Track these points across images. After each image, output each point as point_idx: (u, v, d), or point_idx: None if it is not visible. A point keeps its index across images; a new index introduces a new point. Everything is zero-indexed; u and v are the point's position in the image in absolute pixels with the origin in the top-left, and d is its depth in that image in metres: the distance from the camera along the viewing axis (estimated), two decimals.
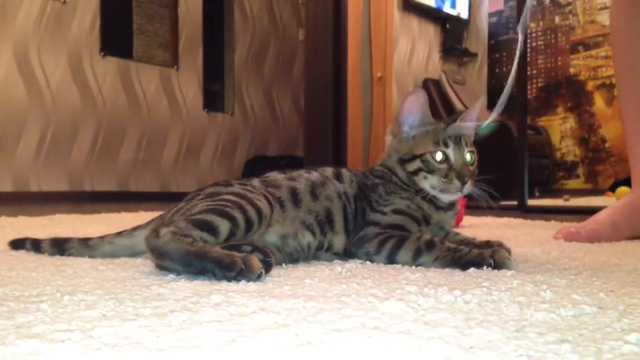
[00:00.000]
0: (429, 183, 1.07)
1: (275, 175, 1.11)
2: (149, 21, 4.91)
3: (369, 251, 1.03)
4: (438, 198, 1.09)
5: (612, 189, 4.32)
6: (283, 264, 0.99)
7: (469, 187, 1.07)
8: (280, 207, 1.03)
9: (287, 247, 1.02)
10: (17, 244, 1.16)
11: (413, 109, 1.09)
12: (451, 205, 1.13)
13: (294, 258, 1.03)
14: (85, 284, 0.80)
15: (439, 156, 1.06)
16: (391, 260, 1.02)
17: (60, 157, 4.26)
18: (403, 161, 1.10)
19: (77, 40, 4.34)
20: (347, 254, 1.07)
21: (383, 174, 1.14)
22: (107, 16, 4.53)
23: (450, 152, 1.07)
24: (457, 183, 1.05)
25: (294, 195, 1.06)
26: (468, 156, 1.08)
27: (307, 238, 1.04)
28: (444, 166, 1.06)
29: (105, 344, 0.49)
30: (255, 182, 1.08)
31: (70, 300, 0.68)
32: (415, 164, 1.08)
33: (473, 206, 2.18)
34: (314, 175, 1.11)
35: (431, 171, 1.07)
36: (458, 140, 1.08)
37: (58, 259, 1.04)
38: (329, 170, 1.14)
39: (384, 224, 1.06)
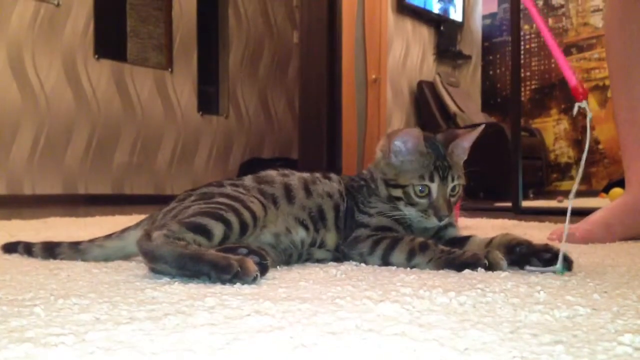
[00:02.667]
0: (407, 211, 1.07)
1: (268, 172, 1.12)
2: (143, 24, 4.90)
3: (363, 252, 1.04)
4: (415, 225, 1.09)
5: (606, 190, 4.34)
6: (278, 267, 0.99)
7: (446, 221, 1.07)
8: (273, 205, 1.04)
9: (281, 245, 1.02)
10: (9, 248, 1.15)
11: (407, 144, 1.06)
12: None
13: (287, 254, 1.03)
14: (79, 287, 0.79)
15: (420, 190, 1.05)
16: (385, 260, 1.02)
17: (54, 160, 4.24)
18: (387, 184, 1.09)
19: (71, 43, 4.33)
20: (338, 251, 1.08)
21: (367, 180, 1.14)
22: (101, 19, 4.52)
23: (434, 187, 1.05)
24: (434, 220, 1.05)
25: (288, 191, 1.07)
26: (454, 188, 1.07)
27: (300, 234, 1.05)
28: (424, 201, 1.05)
29: (98, 348, 0.49)
30: (248, 180, 1.08)
31: (64, 304, 0.68)
32: (398, 192, 1.07)
33: (468, 208, 2.18)
34: (305, 174, 1.13)
35: (410, 204, 1.06)
36: (445, 174, 1.05)
37: (51, 263, 1.03)
38: (317, 174, 1.15)
39: (372, 226, 1.07)
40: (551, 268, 0.94)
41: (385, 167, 1.10)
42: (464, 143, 1.11)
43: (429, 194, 1.05)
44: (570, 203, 0.97)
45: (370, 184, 1.13)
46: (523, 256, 0.98)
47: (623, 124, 1.60)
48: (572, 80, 1.03)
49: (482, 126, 1.12)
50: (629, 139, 1.58)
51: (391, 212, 1.08)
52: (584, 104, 1.02)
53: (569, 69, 1.03)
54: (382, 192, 1.09)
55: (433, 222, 1.06)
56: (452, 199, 1.08)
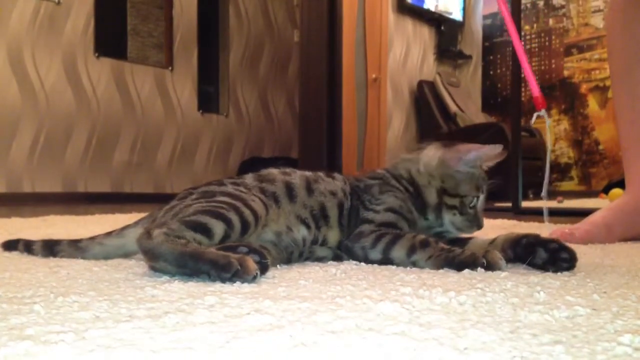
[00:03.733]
0: (452, 219, 1.11)
1: (270, 170, 1.12)
2: (144, 22, 4.90)
3: (365, 245, 1.04)
4: (447, 230, 1.13)
5: (606, 190, 4.34)
6: (278, 265, 0.99)
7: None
8: (275, 203, 1.04)
9: (282, 243, 1.03)
10: (9, 246, 1.16)
11: (481, 159, 1.11)
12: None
13: (288, 251, 1.03)
14: (79, 285, 0.79)
15: (475, 201, 1.11)
16: (385, 255, 1.02)
17: (54, 158, 4.24)
18: (444, 192, 1.12)
19: (71, 41, 4.33)
20: (341, 249, 1.08)
21: (383, 177, 1.16)
22: (101, 17, 4.52)
23: (481, 198, 1.12)
24: (474, 229, 1.12)
25: (289, 189, 1.07)
26: None
27: (302, 232, 1.05)
28: (472, 211, 1.12)
29: (98, 346, 0.49)
30: (249, 179, 1.08)
31: (64, 301, 0.68)
32: (455, 201, 1.11)
33: None
34: (308, 173, 1.14)
35: (462, 213, 1.11)
36: (485, 189, 1.13)
37: (51, 260, 1.04)
38: (320, 173, 1.16)
39: (377, 222, 1.08)
40: None
41: (444, 176, 1.12)
42: (488, 158, 1.16)
43: (475, 205, 1.12)
44: (545, 196, 1.05)
45: (386, 179, 1.15)
46: (529, 246, 1.00)
47: (624, 124, 1.60)
48: (535, 90, 1.12)
49: (499, 147, 1.13)
50: (630, 139, 1.58)
51: (404, 203, 1.10)
52: (542, 112, 1.11)
53: (534, 79, 1.11)
54: (431, 200, 1.12)
55: (473, 230, 1.12)
56: None
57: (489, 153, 1.10)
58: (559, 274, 0.94)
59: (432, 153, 1.14)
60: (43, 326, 0.56)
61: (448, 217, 1.11)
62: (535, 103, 1.09)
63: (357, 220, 1.10)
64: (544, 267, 0.98)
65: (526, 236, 1.02)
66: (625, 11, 1.56)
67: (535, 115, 1.10)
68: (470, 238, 1.12)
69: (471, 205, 1.11)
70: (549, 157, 1.09)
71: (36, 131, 4.13)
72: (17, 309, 0.64)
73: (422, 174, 1.14)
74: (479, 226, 1.12)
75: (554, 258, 0.97)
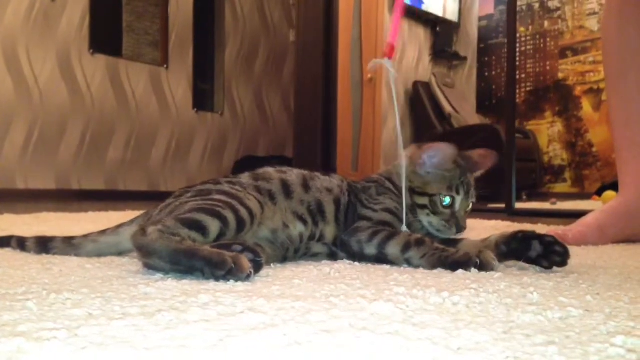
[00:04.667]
0: (427, 219, 1.12)
1: (266, 169, 1.13)
2: (139, 19, 4.88)
3: (361, 239, 1.05)
4: (430, 232, 1.13)
5: (599, 193, 4.36)
6: (272, 264, 0.99)
7: (461, 234, 1.12)
8: (271, 200, 1.05)
9: (278, 240, 1.03)
10: (2, 242, 1.15)
11: (440, 157, 1.12)
12: None
13: (284, 248, 1.04)
14: (72, 282, 0.79)
15: (447, 201, 1.11)
16: (380, 250, 1.03)
17: (48, 155, 4.22)
18: (413, 192, 1.13)
19: (66, 38, 4.31)
20: (337, 244, 1.09)
21: (378, 180, 1.18)
22: (96, 14, 4.50)
23: (458, 200, 1.11)
24: (454, 230, 1.11)
25: (286, 186, 1.08)
26: (470, 206, 1.14)
27: (298, 228, 1.06)
28: (448, 211, 1.11)
29: (91, 343, 0.49)
30: (245, 178, 1.09)
31: (57, 298, 0.68)
32: (424, 200, 1.12)
33: None
34: (304, 171, 1.15)
35: (435, 212, 1.11)
36: (468, 190, 1.12)
37: (44, 257, 1.03)
38: (317, 173, 1.18)
39: (375, 220, 1.09)
40: None
41: (412, 175, 1.14)
42: (485, 165, 1.18)
43: (452, 205, 1.11)
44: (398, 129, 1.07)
45: (381, 182, 1.17)
46: (525, 239, 1.00)
47: (618, 126, 1.61)
48: (393, 38, 1.11)
49: (494, 157, 1.16)
50: (624, 142, 1.59)
51: (399, 205, 1.11)
52: (387, 61, 1.10)
53: (398, 27, 1.11)
54: (407, 200, 1.13)
55: (452, 232, 1.11)
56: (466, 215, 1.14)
57: (446, 150, 1.10)
58: (552, 275, 0.94)
59: (404, 154, 1.16)
60: (36, 323, 0.55)
61: (423, 218, 1.12)
62: (386, 50, 1.08)
63: (354, 216, 1.11)
64: (537, 260, 0.99)
65: (522, 231, 1.02)
66: (621, 14, 1.57)
67: (376, 61, 1.09)
68: (463, 238, 1.12)
69: (444, 204, 1.10)
70: (397, 111, 1.11)
71: (30, 127, 4.11)
72: (9, 306, 0.63)
73: (399, 175, 1.15)
74: (459, 228, 1.11)
75: (548, 251, 0.98)
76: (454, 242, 1.11)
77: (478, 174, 1.19)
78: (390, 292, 0.74)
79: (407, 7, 5.64)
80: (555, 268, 1.01)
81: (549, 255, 0.98)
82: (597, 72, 5.75)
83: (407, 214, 1.11)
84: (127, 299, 0.68)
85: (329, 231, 1.09)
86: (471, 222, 2.31)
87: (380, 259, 1.03)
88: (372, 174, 1.23)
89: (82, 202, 3.87)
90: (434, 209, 1.11)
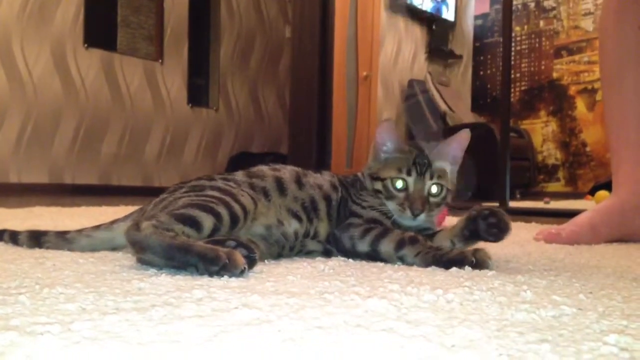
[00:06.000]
0: (386, 206, 1.10)
1: (260, 167, 1.13)
2: (134, 13, 4.86)
3: (354, 235, 1.05)
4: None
5: (592, 192, 4.37)
6: (266, 260, 0.99)
7: (422, 218, 1.08)
8: (264, 197, 1.05)
9: (272, 237, 1.03)
10: None
11: (386, 136, 1.13)
12: None
13: (280, 245, 1.04)
14: (65, 277, 0.79)
15: (399, 184, 1.08)
16: (373, 247, 1.03)
17: (41, 149, 4.21)
18: (372, 177, 1.13)
19: (60, 31, 4.29)
20: (331, 241, 1.09)
21: (359, 176, 1.18)
22: (91, 7, 4.48)
23: (410, 181, 1.08)
24: (408, 213, 1.07)
25: (280, 184, 1.08)
26: (434, 188, 1.09)
27: (293, 225, 1.05)
28: (402, 194, 1.08)
29: (84, 338, 0.49)
30: (239, 175, 1.09)
31: (50, 293, 0.67)
32: (378, 185, 1.11)
33: (455, 207, 2.19)
34: (297, 168, 1.15)
35: (389, 197, 1.09)
36: (423, 171, 1.08)
37: (37, 252, 1.03)
38: (309, 170, 1.18)
39: (365, 217, 1.09)
40: None
41: (372, 162, 1.15)
42: (448, 148, 1.13)
43: (407, 188, 1.08)
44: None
45: (362, 179, 1.16)
46: (473, 218, 1.03)
47: (613, 126, 1.61)
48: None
49: (466, 131, 1.13)
50: (619, 142, 1.60)
51: (380, 206, 1.10)
52: None
53: None
54: (369, 186, 1.13)
55: (408, 215, 1.07)
56: (434, 200, 1.09)
57: (383, 125, 1.12)
58: (545, 273, 0.95)
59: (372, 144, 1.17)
60: (28, 317, 0.55)
61: (387, 204, 1.10)
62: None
63: (345, 211, 1.11)
64: (485, 237, 1.03)
65: (472, 211, 1.04)
66: (618, 13, 1.57)
67: None
68: (439, 231, 1.12)
69: (397, 187, 1.08)
70: None
71: (23, 121, 4.09)
72: (2, 300, 0.63)
73: (366, 165, 1.17)
74: (413, 210, 1.06)
75: (487, 224, 1.01)
76: (430, 236, 1.10)
77: (452, 159, 1.14)
78: (385, 289, 0.75)
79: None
80: (548, 266, 1.01)
81: (489, 229, 1.01)
82: (591, 72, 5.77)
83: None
84: (121, 294, 0.68)
85: (323, 228, 1.09)
86: None
87: (373, 256, 1.03)
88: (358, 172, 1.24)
89: (76, 196, 3.85)
90: (388, 193, 1.09)
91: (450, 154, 1.13)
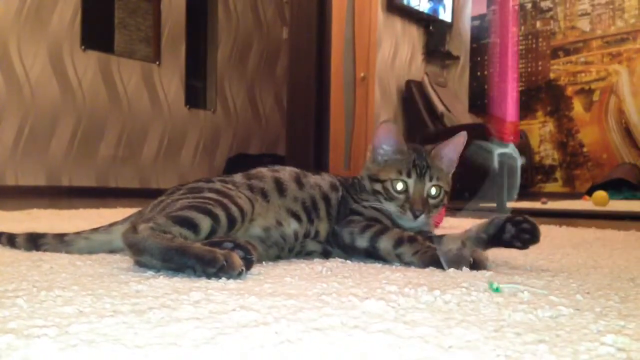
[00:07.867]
0: (387, 207, 1.11)
1: (259, 169, 1.13)
2: (131, 15, 4.86)
3: (354, 231, 1.05)
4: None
5: (589, 193, 4.38)
6: (264, 262, 0.99)
7: (422, 219, 1.09)
8: (263, 198, 1.05)
9: (271, 238, 1.03)
10: None
11: (385, 137, 1.13)
12: None
13: (279, 247, 1.04)
14: (62, 279, 0.79)
15: (399, 186, 1.09)
16: (372, 243, 1.03)
17: (38, 151, 4.20)
18: (370, 179, 1.13)
19: (57, 33, 4.28)
20: (330, 239, 1.09)
21: (359, 178, 1.18)
22: (88, 9, 4.47)
23: (410, 183, 1.09)
24: (409, 215, 1.08)
25: (279, 184, 1.08)
26: (433, 190, 1.10)
27: (292, 226, 1.06)
28: (402, 196, 1.09)
29: (82, 340, 0.49)
30: (238, 177, 1.09)
31: (47, 295, 0.67)
32: (378, 187, 1.11)
33: (453, 207, 2.19)
34: (296, 169, 1.16)
35: (389, 198, 1.10)
36: (423, 172, 1.09)
37: (34, 254, 1.02)
38: (308, 172, 1.18)
39: (366, 216, 1.09)
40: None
41: (371, 164, 1.15)
42: (445, 150, 1.14)
43: (406, 190, 1.09)
44: None
45: (362, 181, 1.17)
46: (499, 223, 1.01)
47: None
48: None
49: (463, 134, 1.13)
50: None
51: (380, 206, 1.11)
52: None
53: None
54: (368, 187, 1.13)
55: (408, 217, 1.08)
56: (433, 201, 1.10)
57: (384, 127, 1.12)
58: (542, 273, 0.95)
59: (369, 147, 1.17)
60: (26, 320, 0.55)
61: (386, 206, 1.10)
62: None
63: (345, 210, 1.11)
64: (511, 242, 1.00)
65: (498, 217, 1.03)
66: None
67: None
68: (445, 234, 1.12)
69: (397, 189, 1.09)
70: None
71: (20, 123, 4.08)
72: None
73: (364, 167, 1.17)
74: (414, 212, 1.07)
75: (519, 229, 0.99)
76: (437, 238, 1.10)
77: (449, 161, 1.15)
78: (382, 291, 0.75)
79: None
80: (546, 267, 1.01)
81: (520, 234, 0.99)
82: (588, 72, 5.78)
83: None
84: (118, 297, 0.67)
85: (323, 227, 1.09)
86: (463, 222, 2.32)
87: (371, 252, 1.03)
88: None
89: (73, 198, 3.84)
90: (388, 195, 1.10)
91: (447, 157, 1.14)
